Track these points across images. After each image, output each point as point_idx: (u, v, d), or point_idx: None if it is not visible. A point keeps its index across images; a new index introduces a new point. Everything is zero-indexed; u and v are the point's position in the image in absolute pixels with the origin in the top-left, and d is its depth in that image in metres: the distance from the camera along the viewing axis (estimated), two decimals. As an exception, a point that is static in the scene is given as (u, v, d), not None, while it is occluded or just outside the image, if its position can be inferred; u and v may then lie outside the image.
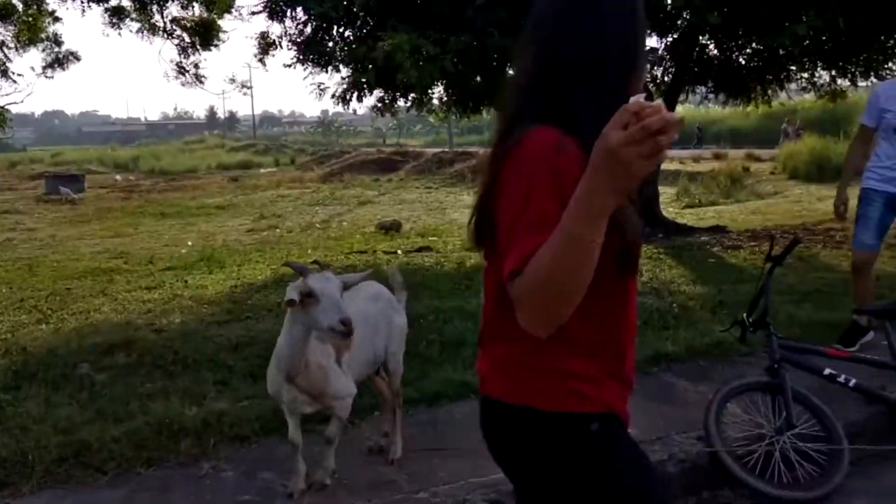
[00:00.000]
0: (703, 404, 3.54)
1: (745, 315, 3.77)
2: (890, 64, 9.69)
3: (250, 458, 3.53)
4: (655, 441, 3.51)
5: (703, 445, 3.41)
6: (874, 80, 10.04)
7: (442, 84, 9.28)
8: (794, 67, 9.98)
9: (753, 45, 8.86)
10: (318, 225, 14.94)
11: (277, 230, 14.28)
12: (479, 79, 8.88)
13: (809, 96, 11.76)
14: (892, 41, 8.71)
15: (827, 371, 3.65)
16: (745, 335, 3.78)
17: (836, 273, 6.73)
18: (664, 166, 23.46)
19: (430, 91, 9.54)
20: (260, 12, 9.44)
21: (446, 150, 36.84)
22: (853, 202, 4.78)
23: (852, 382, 3.61)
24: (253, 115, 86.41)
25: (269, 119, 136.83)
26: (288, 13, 9.20)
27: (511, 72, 2.36)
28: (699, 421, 3.47)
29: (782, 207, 14.17)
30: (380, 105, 9.86)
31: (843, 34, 7.28)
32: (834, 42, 8.18)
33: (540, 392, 1.50)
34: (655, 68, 10.87)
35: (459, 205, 18.43)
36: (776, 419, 3.44)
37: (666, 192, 17.75)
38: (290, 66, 9.25)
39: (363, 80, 8.17)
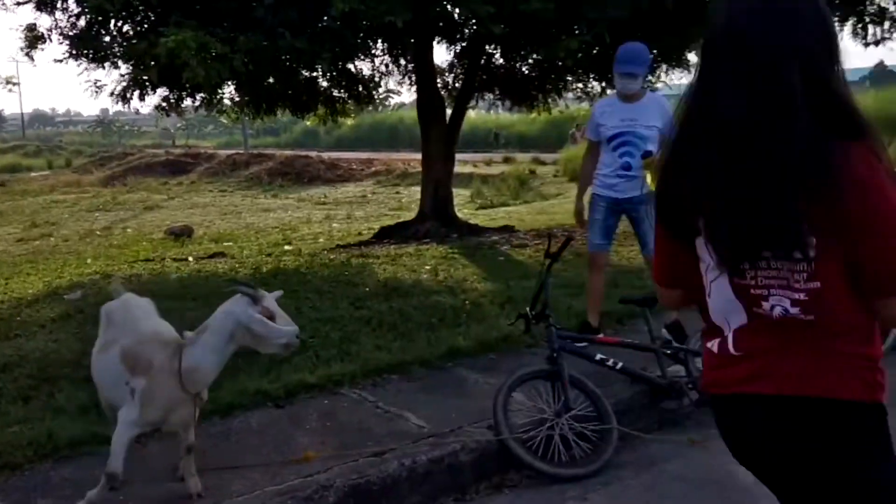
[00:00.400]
0: (493, 395, 3.74)
1: (528, 309, 4.05)
2: (651, 77, 10.79)
3: (24, 487, 3.23)
4: (449, 433, 3.66)
5: (492, 434, 3.60)
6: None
7: (233, 84, 9.01)
8: (570, 78, 10.78)
9: (534, 56, 9.47)
10: (98, 232, 13.90)
11: (52, 239, 13.11)
12: (271, 79, 8.73)
13: (585, 104, 12.75)
14: (650, 56, 9.69)
15: (598, 356, 4.01)
16: (529, 327, 4.06)
17: (608, 267, 7.37)
18: (458, 169, 24.44)
19: (219, 91, 9.22)
20: (26, 2, 8.62)
21: (241, 151, 35.72)
22: None
23: (619, 365, 3.99)
24: (21, 114, 78.63)
25: (40, 118, 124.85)
26: (58, 4, 8.48)
27: None
28: (490, 411, 3.66)
29: (564, 207, 15.25)
30: (165, 105, 9.37)
31: (610, 48, 8.00)
32: (603, 56, 8.96)
33: (865, 384, 1.51)
34: (446, 75, 11.29)
35: (256, 208, 17.96)
36: (556, 404, 3.72)
37: (461, 194, 18.46)
38: (61, 61, 8.53)
39: (144, 77, 7.73)
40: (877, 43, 7.51)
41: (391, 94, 11.14)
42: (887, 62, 54.27)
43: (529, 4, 6.60)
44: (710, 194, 1.49)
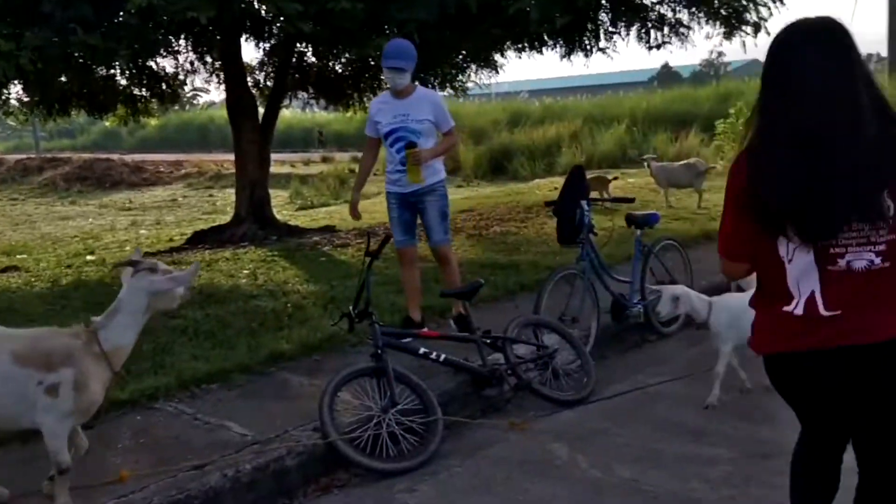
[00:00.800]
0: (319, 396, 3.71)
1: (351, 308, 4.05)
2: (461, 77, 11.15)
3: None
4: (274, 439, 3.58)
5: (318, 435, 3.57)
6: (450, 91, 11.48)
7: (20, 83, 8.25)
8: (383, 77, 10.89)
9: (346, 55, 9.46)
10: None
11: None
12: (63, 78, 8.08)
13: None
14: (460, 57, 10.00)
15: (422, 350, 4.10)
16: (353, 326, 4.07)
17: (429, 263, 7.52)
18: (276, 170, 23.86)
19: (4, 90, 8.40)
20: None
21: (32, 155, 32.62)
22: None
23: (442, 357, 4.10)
24: None
25: None
26: None
27: None
28: (316, 412, 3.62)
29: (383, 206, 15.32)
30: (-62, 106, 8.39)
31: (420, 49, 8.16)
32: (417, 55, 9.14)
33: None
34: (257, 73, 11.00)
35: (52, 217, 16.53)
36: (382, 400, 3.76)
37: (279, 195, 18.07)
38: None
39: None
40: (658, 46, 8.27)
41: (199, 93, 10.71)
42: (672, 63, 59.66)
43: (338, 3, 6.59)
44: (807, 185, 1.92)
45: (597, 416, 4.00)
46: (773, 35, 2.14)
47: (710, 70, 50.90)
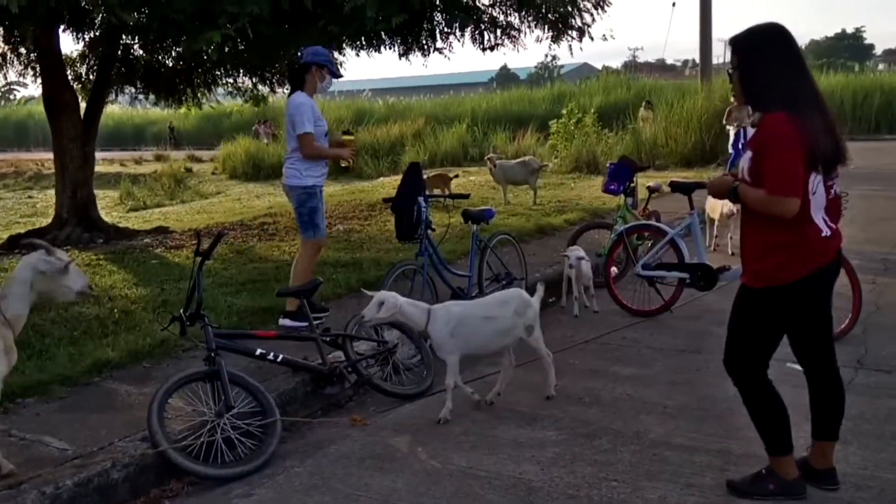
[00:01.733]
0: (147, 404, 3.53)
1: (182, 311, 3.89)
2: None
3: None
4: (98, 452, 3.38)
5: (147, 445, 3.41)
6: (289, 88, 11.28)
7: None
8: (218, 72, 10.51)
9: (176, 48, 9.05)
10: None
11: None
12: None
13: (239, 100, 12.52)
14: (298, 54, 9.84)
15: (258, 351, 4.01)
16: (185, 330, 3.91)
17: (269, 262, 7.39)
18: (104, 169, 22.42)
19: None
20: None
21: None
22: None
23: (280, 358, 4.03)
24: None
25: None
26: None
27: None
28: (145, 422, 3.45)
29: (224, 206, 14.87)
30: None
31: (256, 44, 7.96)
32: (252, 50, 8.88)
33: None
34: (77, 66, 10.29)
35: None
36: (217, 404, 3.64)
37: (108, 196, 17.00)
38: None
39: None
40: (492, 48, 8.55)
41: (15, 87, 9.86)
42: (510, 66, 61.79)
43: (166, -7, 6.29)
44: (833, 137, 2.83)
45: (437, 408, 4.08)
46: (772, 29, 2.89)
47: (545, 72, 53.15)
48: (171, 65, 10.40)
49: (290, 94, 5.35)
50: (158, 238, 9.26)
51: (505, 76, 57.84)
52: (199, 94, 11.19)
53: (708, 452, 3.48)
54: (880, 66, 46.18)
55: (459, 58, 33.15)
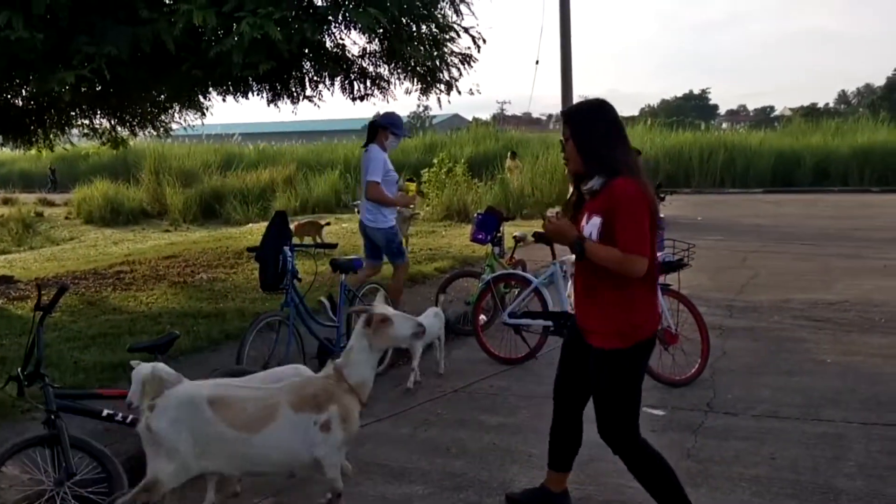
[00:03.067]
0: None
1: (19, 369, 3.59)
2: (163, 117, 10.60)
3: None
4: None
5: (-27, 522, 3.08)
6: (151, 132, 10.86)
7: None
8: (73, 113, 9.97)
9: (27, 88, 8.52)
10: None
11: None
12: None
13: (95, 142, 11.91)
14: (162, 97, 9.51)
15: (105, 412, 3.73)
16: (23, 390, 3.59)
17: (124, 314, 6.97)
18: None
19: None
20: None
21: None
22: None
23: (129, 418, 3.77)
24: None
25: None
26: None
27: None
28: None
29: (78, 252, 14.01)
30: None
31: (115, 86, 7.62)
32: (111, 92, 8.48)
33: None
34: None
35: None
36: (57, 471, 3.35)
37: (-56, 242, 15.64)
38: None
39: None
40: (362, 98, 8.60)
41: None
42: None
43: (14, 31, 5.91)
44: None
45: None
46: (600, 104, 3.09)
47: (418, 122, 54.12)
48: (21, 105, 9.76)
49: (364, 147, 6.51)
50: (0, 288, 8.56)
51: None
52: (51, 136, 10.54)
53: (572, 501, 3.53)
54: (724, 125, 50.20)
55: (333, 104, 33.23)
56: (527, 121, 55.93)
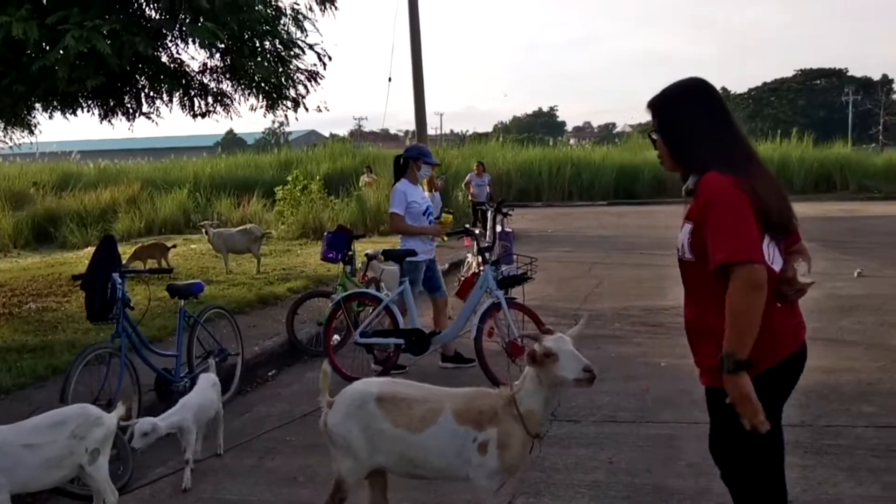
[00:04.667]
0: None
1: None
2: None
3: None
4: None
5: None
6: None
7: None
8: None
9: None
10: None
11: None
12: None
13: None
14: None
15: None
16: None
17: None
18: None
19: None
20: None
21: None
22: None
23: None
24: None
25: None
26: None
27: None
28: None
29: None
30: None
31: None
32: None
33: None
34: None
35: None
36: None
37: None
38: None
39: None
40: (203, 115, 8.28)
41: None
42: (237, 130, 60.75)
43: None
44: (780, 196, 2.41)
45: (134, 505, 3.69)
46: (686, 85, 2.52)
47: (273, 138, 53.08)
48: None
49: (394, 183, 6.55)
50: None
51: (231, 141, 56.68)
52: None
53: (418, 521, 3.52)
54: (571, 141, 52.71)
55: (181, 121, 31.96)
56: (384, 137, 56.29)
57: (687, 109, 2.47)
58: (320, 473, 4.15)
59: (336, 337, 6.58)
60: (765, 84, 68.96)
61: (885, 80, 65.48)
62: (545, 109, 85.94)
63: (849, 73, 66.99)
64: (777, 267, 2.32)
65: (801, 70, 68.28)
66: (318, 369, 6.20)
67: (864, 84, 64.35)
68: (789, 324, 2.39)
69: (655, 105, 2.54)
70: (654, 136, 2.57)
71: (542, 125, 77.06)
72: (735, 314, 2.22)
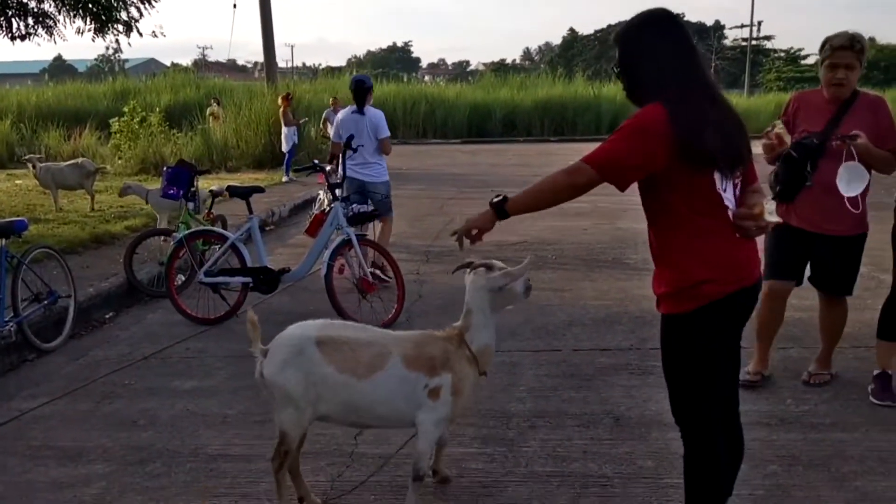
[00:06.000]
0: None
1: None
2: None
3: None
4: None
5: None
6: None
7: None
8: None
9: None
10: None
11: None
12: None
13: None
14: None
15: None
16: None
17: None
18: None
19: None
20: None
21: None
22: None
23: None
24: None
25: None
26: None
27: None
28: None
29: None
30: None
31: None
32: None
33: None
34: None
35: None
36: None
37: None
38: None
39: None
40: (22, 38, 7.49)
41: None
42: (66, 56, 55.79)
43: None
44: (727, 131, 2.31)
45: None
46: (654, 14, 2.38)
47: (107, 66, 49.26)
48: None
49: (359, 110, 6.75)
50: None
51: (59, 68, 51.98)
52: None
53: (265, 459, 3.50)
54: (426, 78, 52.57)
55: (3, 46, 28.79)
56: (231, 68, 53.60)
57: (649, 39, 2.37)
58: (161, 416, 4.03)
59: (179, 277, 6.32)
60: (609, 26, 71.55)
61: (718, 26, 69.77)
62: (399, 44, 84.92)
63: (685, 18, 70.79)
64: (730, 204, 2.35)
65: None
66: (161, 310, 6.03)
67: (699, 29, 68.26)
68: (753, 256, 2.45)
69: (619, 35, 2.45)
70: (616, 71, 2.46)
71: (396, 60, 76.23)
72: (542, 187, 2.39)
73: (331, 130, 7.87)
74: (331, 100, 16.17)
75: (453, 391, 2.84)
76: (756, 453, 3.40)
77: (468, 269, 3.02)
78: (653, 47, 2.35)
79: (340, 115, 7.00)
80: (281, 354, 2.81)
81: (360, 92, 6.74)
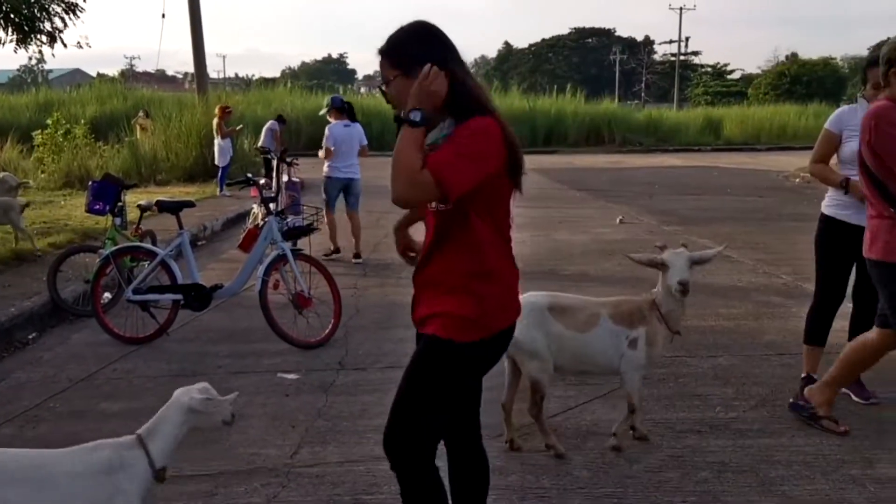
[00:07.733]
0: None
1: None
2: None
3: None
4: None
5: None
6: None
7: None
8: None
9: None
10: None
11: None
12: None
13: None
14: None
15: None
16: None
17: None
18: None
19: None
20: None
21: None
22: None
23: None
24: None
25: None
26: None
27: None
28: None
29: None
30: None
31: None
32: None
33: None
34: None
35: None
36: None
37: None
38: None
39: None
40: None
41: None
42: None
43: None
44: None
45: None
46: (423, 28, 2.26)
47: (30, 77, 47.58)
48: None
49: (349, 123, 8.59)
50: None
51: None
52: None
53: (197, 480, 3.41)
54: (362, 90, 52.42)
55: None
56: (160, 78, 52.41)
57: (422, 54, 2.16)
58: (85, 438, 3.85)
59: (106, 295, 6.13)
60: (543, 40, 72.87)
61: (648, 41, 71.78)
62: (335, 56, 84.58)
63: (616, 34, 72.61)
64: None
65: (575, 28, 72.88)
66: (86, 330, 5.82)
67: (630, 44, 70.10)
68: (516, 294, 2.38)
69: (387, 53, 2.25)
70: (386, 88, 2.28)
71: (332, 72, 75.90)
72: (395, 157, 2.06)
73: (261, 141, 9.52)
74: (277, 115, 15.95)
75: (648, 342, 3.51)
76: (687, 460, 3.49)
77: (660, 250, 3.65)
78: (431, 61, 2.15)
79: (334, 126, 8.53)
80: (526, 319, 3.21)
81: (350, 109, 8.61)
